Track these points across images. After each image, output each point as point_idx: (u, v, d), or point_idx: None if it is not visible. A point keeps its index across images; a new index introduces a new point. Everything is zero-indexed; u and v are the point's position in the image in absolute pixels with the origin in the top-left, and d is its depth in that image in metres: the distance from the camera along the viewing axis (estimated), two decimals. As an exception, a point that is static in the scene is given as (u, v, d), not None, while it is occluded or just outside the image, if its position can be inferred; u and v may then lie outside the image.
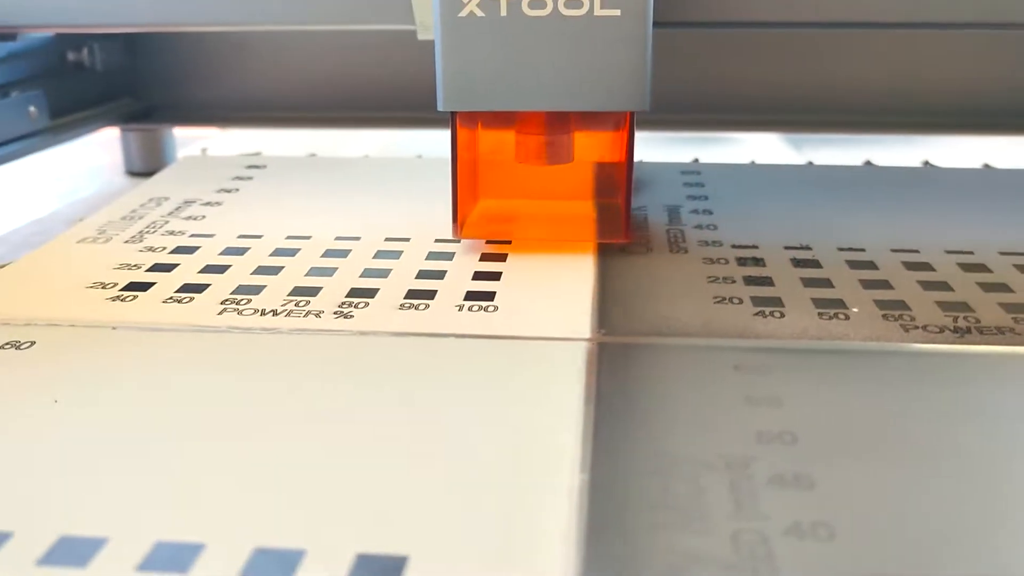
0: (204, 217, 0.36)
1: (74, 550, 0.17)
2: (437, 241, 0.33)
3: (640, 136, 0.60)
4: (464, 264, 0.31)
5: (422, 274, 0.30)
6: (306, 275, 0.30)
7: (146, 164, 0.52)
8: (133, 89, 0.52)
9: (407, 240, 0.33)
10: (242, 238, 0.33)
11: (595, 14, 0.28)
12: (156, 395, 0.22)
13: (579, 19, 0.28)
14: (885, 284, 0.29)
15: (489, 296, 0.28)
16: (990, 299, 0.28)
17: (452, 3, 0.28)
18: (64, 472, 0.19)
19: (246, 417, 0.21)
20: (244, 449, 0.20)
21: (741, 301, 0.28)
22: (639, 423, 0.21)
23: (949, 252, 0.31)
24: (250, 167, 0.44)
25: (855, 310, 0.27)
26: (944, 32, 0.47)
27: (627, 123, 0.30)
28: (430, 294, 0.28)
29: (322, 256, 0.32)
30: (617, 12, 0.28)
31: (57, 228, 0.40)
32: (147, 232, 0.34)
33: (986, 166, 0.47)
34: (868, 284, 0.29)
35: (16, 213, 0.46)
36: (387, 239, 0.33)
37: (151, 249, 0.33)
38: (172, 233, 0.34)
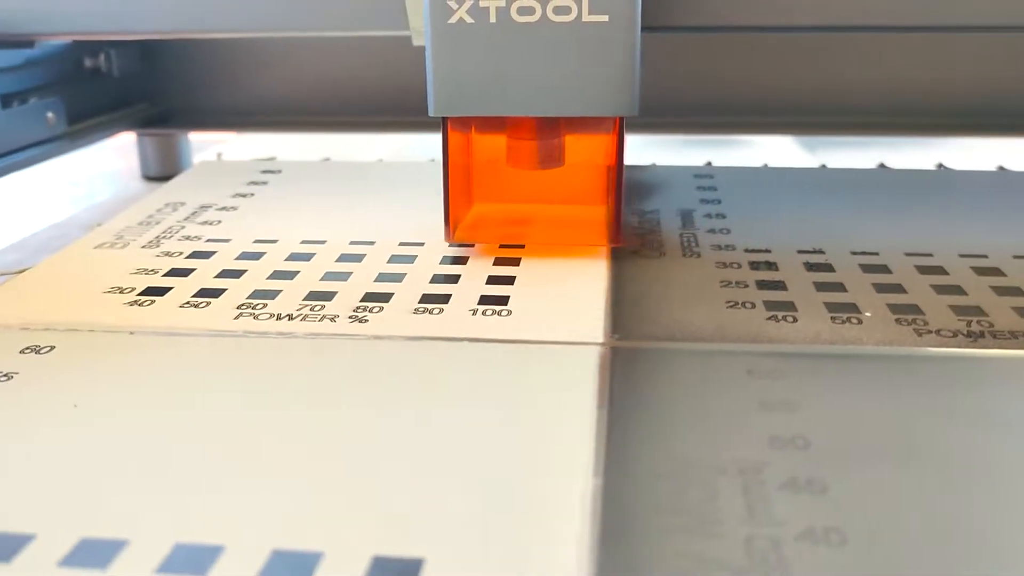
0: (220, 222, 0.36)
1: (95, 552, 0.17)
2: (451, 246, 0.33)
3: (653, 139, 0.60)
4: (478, 268, 0.31)
5: (436, 278, 0.30)
6: (321, 279, 0.30)
7: (162, 169, 0.53)
8: (149, 95, 0.52)
9: (421, 244, 0.33)
10: (258, 243, 0.34)
11: (583, 20, 0.28)
12: (174, 399, 0.23)
13: (567, 25, 0.28)
14: (898, 288, 0.29)
15: (503, 300, 0.28)
16: (1004, 303, 0.27)
17: (442, 10, 0.28)
18: (85, 475, 0.19)
19: (262, 421, 0.22)
20: (261, 452, 0.20)
21: (754, 305, 0.28)
22: (652, 427, 0.21)
23: (963, 256, 0.31)
24: (265, 172, 0.44)
25: (868, 314, 0.27)
26: (958, 34, 0.47)
27: (617, 128, 0.30)
28: (444, 298, 0.28)
29: (337, 260, 0.32)
30: (605, 18, 0.28)
31: (74, 233, 0.41)
32: (164, 237, 0.35)
33: (1000, 168, 0.47)
34: (881, 288, 0.29)
35: (34, 218, 0.46)
36: (401, 243, 0.33)
37: (168, 254, 0.33)
38: (188, 238, 0.35)
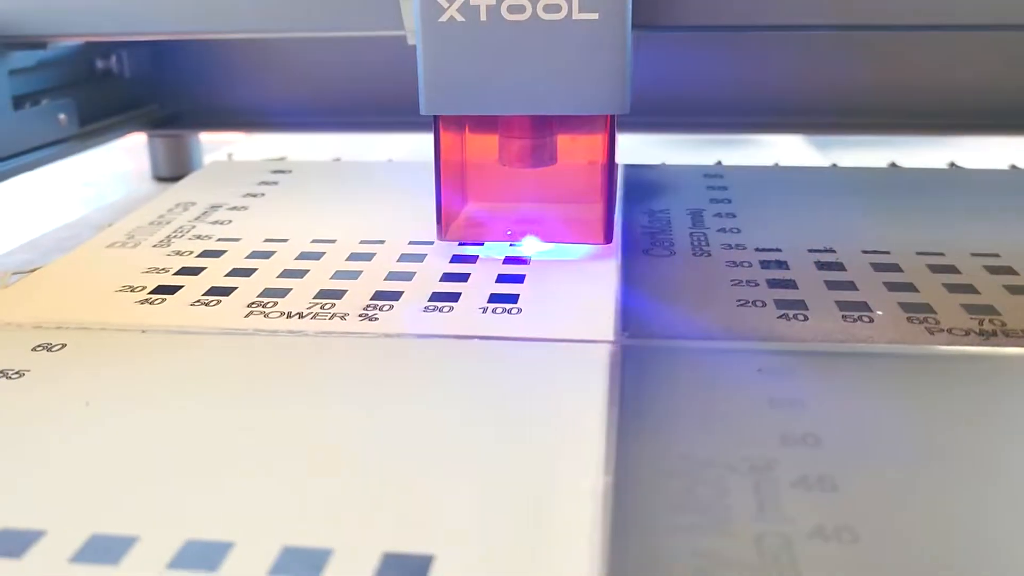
0: (230, 221, 0.37)
1: (105, 548, 0.17)
2: (461, 244, 0.33)
3: (663, 139, 0.60)
4: (488, 267, 0.31)
5: (446, 277, 0.30)
6: (331, 278, 0.30)
7: (173, 169, 0.53)
8: (160, 96, 0.52)
9: (431, 244, 0.33)
10: (268, 242, 0.34)
11: (573, 18, 0.28)
12: (184, 397, 0.23)
13: (557, 23, 0.28)
14: (910, 287, 0.29)
15: (513, 298, 0.28)
16: (1016, 302, 0.27)
17: (432, 9, 0.28)
18: (95, 472, 0.19)
19: (273, 418, 0.22)
20: (271, 449, 0.20)
21: (764, 304, 0.28)
22: (662, 425, 0.21)
23: (975, 254, 0.31)
24: (275, 172, 0.44)
25: (879, 313, 0.27)
26: (969, 33, 0.46)
27: (608, 126, 0.30)
28: (454, 296, 0.28)
29: (347, 259, 0.32)
30: (595, 16, 0.28)
31: (86, 233, 0.41)
32: (175, 236, 0.35)
33: (1013, 167, 0.47)
34: (893, 287, 0.29)
35: (46, 218, 0.47)
36: (411, 242, 0.33)
37: (179, 253, 0.33)
38: (199, 237, 0.35)
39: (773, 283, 0.29)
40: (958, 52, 0.47)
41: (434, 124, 0.31)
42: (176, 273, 0.31)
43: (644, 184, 0.41)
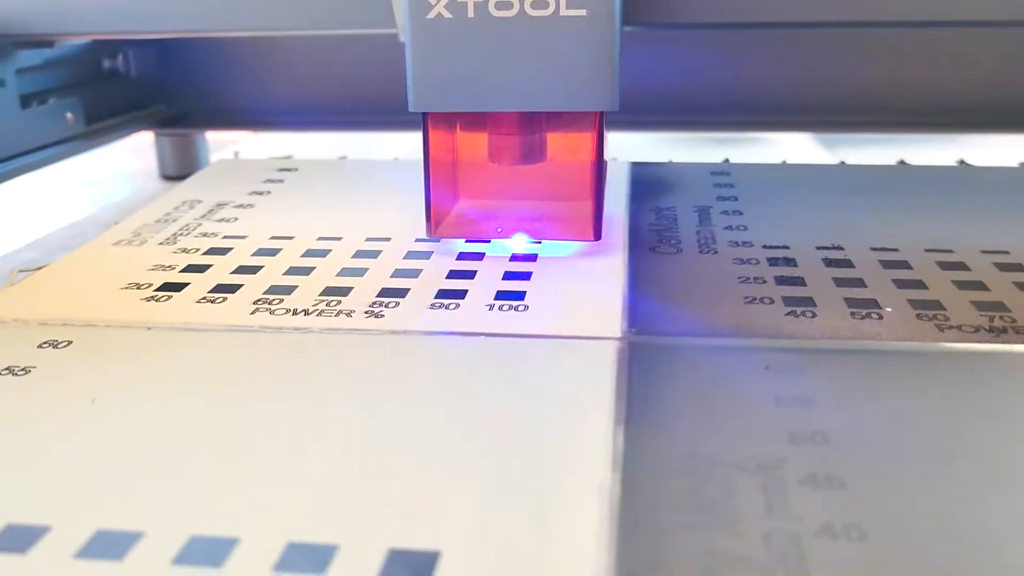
0: (237, 219, 0.37)
1: (111, 544, 0.17)
2: (467, 242, 0.33)
3: (670, 137, 0.59)
4: (494, 264, 0.31)
5: (452, 274, 0.30)
6: (337, 275, 0.30)
7: (180, 168, 0.53)
8: (166, 95, 0.52)
9: (437, 241, 0.33)
10: (274, 239, 0.34)
11: (561, 14, 0.28)
12: (190, 393, 0.23)
13: (545, 19, 0.28)
14: (919, 284, 0.28)
15: (519, 296, 0.28)
16: (1027, 299, 0.27)
17: (420, 5, 0.28)
18: (101, 468, 0.19)
19: (278, 414, 0.22)
20: (277, 446, 0.20)
21: (772, 301, 0.27)
22: (670, 423, 0.21)
23: (984, 252, 0.31)
24: (281, 170, 0.44)
25: (888, 310, 0.27)
26: (979, 30, 0.46)
27: (596, 123, 0.30)
28: (460, 293, 0.28)
29: (353, 257, 0.32)
30: (583, 12, 0.28)
31: (92, 232, 0.41)
32: (181, 234, 0.35)
33: (1022, 165, 0.46)
34: (902, 284, 0.28)
35: (53, 217, 0.47)
36: (417, 240, 0.33)
37: (185, 251, 0.33)
38: (205, 235, 0.35)
39: (781, 280, 0.29)
40: (967, 49, 0.47)
41: (423, 121, 0.31)
42: (182, 270, 0.31)
43: (651, 182, 0.41)
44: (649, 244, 0.33)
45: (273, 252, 0.32)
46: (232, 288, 0.29)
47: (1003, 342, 0.25)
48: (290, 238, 0.34)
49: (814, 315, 0.26)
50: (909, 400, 0.22)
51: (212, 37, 0.50)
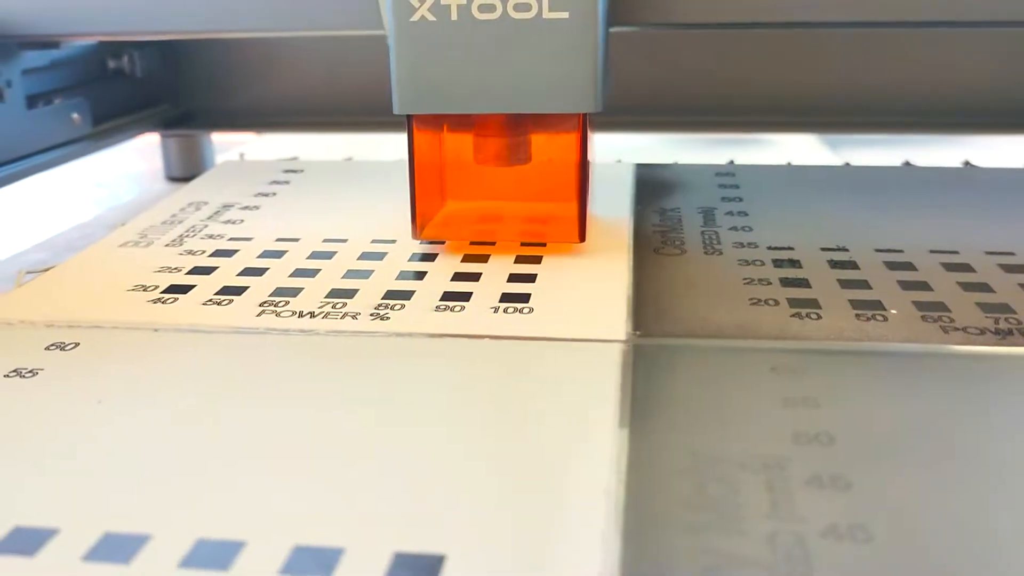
0: (242, 221, 0.37)
1: (118, 546, 0.17)
2: (472, 244, 0.33)
3: (675, 138, 0.59)
4: (499, 266, 0.31)
5: (457, 276, 0.30)
6: (343, 277, 0.30)
7: (186, 170, 0.53)
8: (171, 96, 0.52)
9: (442, 243, 0.33)
10: (280, 241, 0.34)
11: (544, 17, 0.28)
12: (196, 395, 0.23)
13: (528, 22, 0.28)
14: (924, 285, 0.28)
15: (524, 298, 0.28)
16: (1032, 300, 0.27)
17: (404, 8, 0.29)
18: (108, 470, 0.20)
19: (284, 417, 0.22)
20: (283, 448, 0.20)
21: (777, 303, 0.27)
22: (674, 424, 0.21)
23: (989, 253, 0.31)
24: (287, 171, 0.44)
25: (894, 311, 0.27)
26: (984, 31, 0.46)
27: (580, 125, 0.30)
28: (465, 296, 0.28)
29: (358, 259, 0.32)
30: (565, 15, 0.28)
31: (99, 233, 0.41)
32: (187, 236, 0.35)
33: (1028, 166, 0.46)
34: (907, 285, 0.28)
35: (60, 218, 0.47)
36: (423, 242, 0.33)
37: (191, 252, 0.33)
38: (211, 237, 0.35)
39: (786, 282, 0.29)
40: (972, 50, 0.46)
41: (407, 124, 0.31)
42: (188, 272, 0.31)
43: (656, 183, 0.41)
44: (654, 245, 0.33)
45: (279, 254, 0.33)
46: (238, 290, 0.29)
47: (1008, 344, 0.25)
48: (295, 240, 0.34)
49: (819, 317, 0.26)
50: (914, 401, 0.22)
51: (217, 38, 0.50)
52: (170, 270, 0.31)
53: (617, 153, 0.51)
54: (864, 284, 0.29)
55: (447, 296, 0.28)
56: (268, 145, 0.63)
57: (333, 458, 0.20)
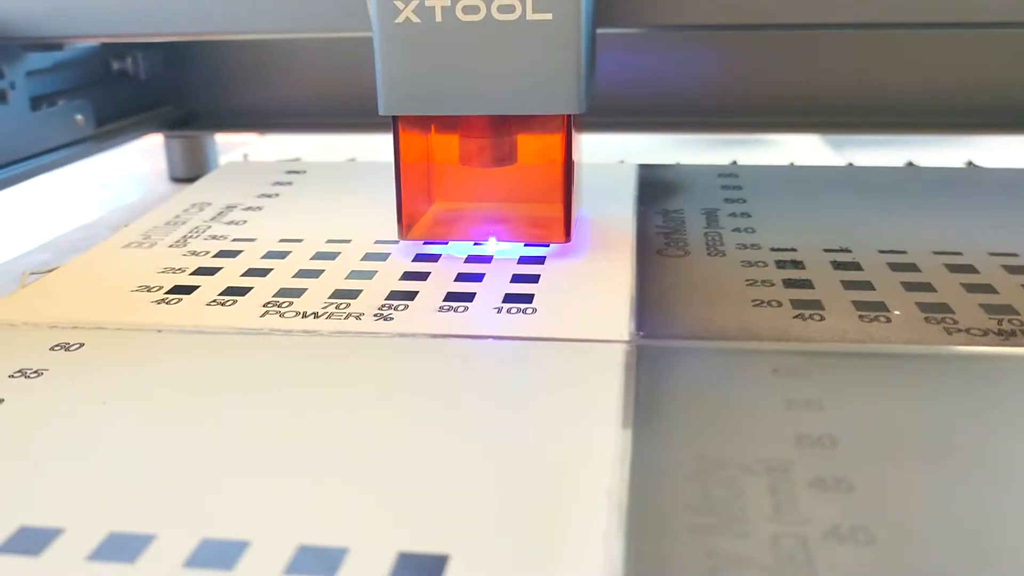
0: (246, 222, 0.37)
1: (123, 546, 0.17)
2: (476, 244, 0.33)
3: (678, 139, 0.59)
4: (502, 267, 0.31)
5: (461, 277, 0.30)
6: (346, 278, 0.30)
7: (189, 170, 0.53)
8: (175, 97, 0.52)
9: (445, 244, 0.33)
10: (283, 242, 0.34)
11: (527, 18, 0.28)
12: (200, 396, 0.23)
13: (512, 24, 0.28)
14: (927, 287, 0.28)
15: (527, 299, 0.28)
16: (1035, 301, 0.27)
17: (389, 10, 0.29)
18: (112, 470, 0.20)
19: (288, 417, 0.22)
20: (287, 448, 0.20)
21: (780, 304, 0.27)
22: (677, 426, 0.21)
23: (993, 254, 0.31)
24: (290, 172, 0.44)
25: (897, 313, 0.27)
26: (987, 31, 0.46)
27: (565, 125, 0.30)
28: (469, 296, 0.28)
29: (362, 259, 0.32)
30: (549, 16, 0.28)
31: (103, 234, 0.41)
32: (190, 237, 0.35)
33: (1031, 167, 0.46)
34: (910, 287, 0.28)
35: (64, 219, 0.47)
36: (426, 243, 0.33)
37: (194, 253, 0.33)
38: (215, 237, 0.35)
39: (789, 283, 0.29)
40: (976, 50, 0.46)
41: (393, 125, 0.31)
42: (192, 273, 0.31)
43: (658, 184, 0.41)
44: (657, 247, 0.33)
45: (282, 255, 0.33)
46: (242, 291, 0.29)
47: (1012, 345, 0.25)
48: (299, 241, 0.34)
49: (822, 318, 0.26)
50: (917, 403, 0.22)
51: (220, 39, 0.50)
52: (174, 271, 0.31)
53: (620, 154, 0.51)
54: (867, 285, 0.29)
55: (450, 296, 0.28)
56: (271, 146, 0.63)
57: (337, 458, 0.20)
